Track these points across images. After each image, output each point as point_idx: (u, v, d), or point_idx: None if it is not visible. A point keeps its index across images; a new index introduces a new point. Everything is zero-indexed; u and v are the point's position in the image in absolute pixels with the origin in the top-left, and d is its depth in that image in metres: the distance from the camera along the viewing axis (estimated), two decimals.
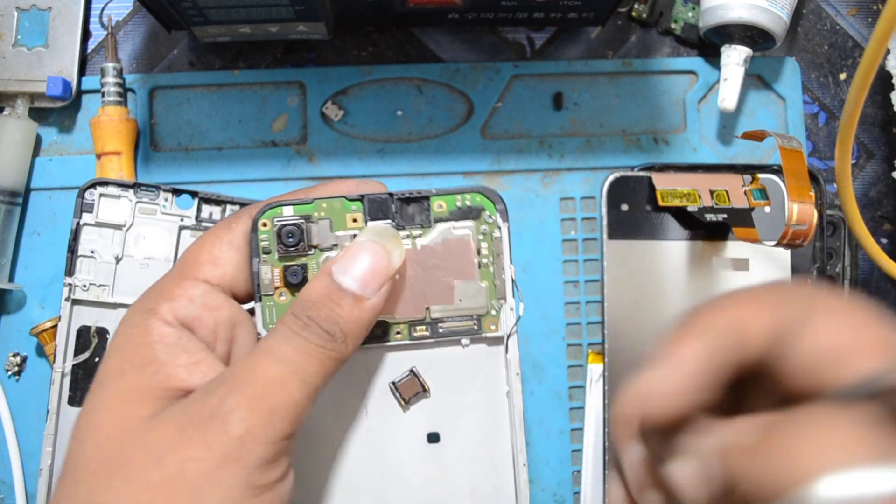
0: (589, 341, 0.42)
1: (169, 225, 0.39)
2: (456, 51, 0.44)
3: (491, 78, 0.43)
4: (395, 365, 0.30)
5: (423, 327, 0.30)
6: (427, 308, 0.30)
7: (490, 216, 0.30)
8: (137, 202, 0.39)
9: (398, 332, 0.30)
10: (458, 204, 0.30)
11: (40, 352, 0.41)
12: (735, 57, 0.41)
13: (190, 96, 0.43)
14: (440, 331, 0.30)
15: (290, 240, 0.28)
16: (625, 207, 0.40)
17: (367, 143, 0.43)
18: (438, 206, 0.30)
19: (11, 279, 0.41)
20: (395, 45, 0.44)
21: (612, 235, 0.40)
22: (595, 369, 0.41)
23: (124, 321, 0.26)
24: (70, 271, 0.38)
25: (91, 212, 0.38)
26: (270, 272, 0.29)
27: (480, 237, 0.30)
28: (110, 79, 0.41)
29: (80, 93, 0.42)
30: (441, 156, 0.43)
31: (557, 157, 0.43)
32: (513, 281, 0.30)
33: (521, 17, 0.41)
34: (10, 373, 0.41)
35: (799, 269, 0.40)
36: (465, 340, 0.30)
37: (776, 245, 0.37)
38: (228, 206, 0.39)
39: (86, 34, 0.43)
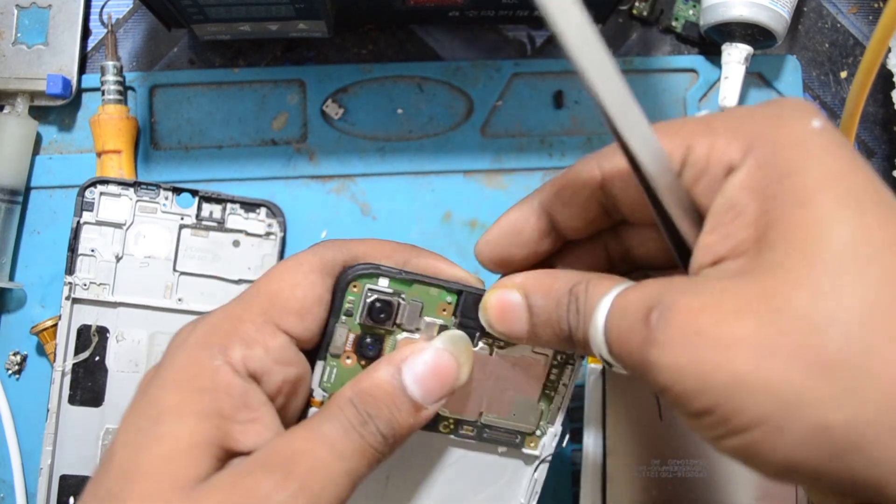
0: None
1: (169, 223, 0.39)
2: (456, 49, 0.44)
3: (491, 76, 0.43)
4: (428, 450, 0.30)
5: (470, 428, 0.30)
6: (480, 413, 0.29)
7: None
8: (138, 201, 0.39)
9: (445, 426, 0.29)
10: None
11: (40, 351, 0.41)
12: (736, 55, 0.41)
13: (190, 94, 0.43)
14: (484, 435, 0.30)
15: (381, 316, 0.27)
16: None
17: (367, 142, 0.43)
18: None
19: (12, 278, 0.41)
20: (395, 44, 0.44)
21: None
22: (595, 369, 0.41)
23: (187, 347, 0.24)
24: (70, 270, 0.38)
25: (91, 210, 0.38)
26: (346, 336, 0.27)
27: (555, 363, 0.30)
28: (110, 77, 0.41)
29: (80, 91, 0.42)
30: (441, 154, 0.43)
31: (558, 156, 0.43)
32: (566, 411, 0.30)
33: (522, 15, 0.41)
34: (10, 372, 0.41)
35: None
36: (501, 449, 0.30)
37: None
38: (229, 205, 0.39)
39: (86, 32, 0.43)
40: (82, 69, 0.42)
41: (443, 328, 0.28)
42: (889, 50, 0.42)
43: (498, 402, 0.29)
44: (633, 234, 0.27)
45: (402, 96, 0.43)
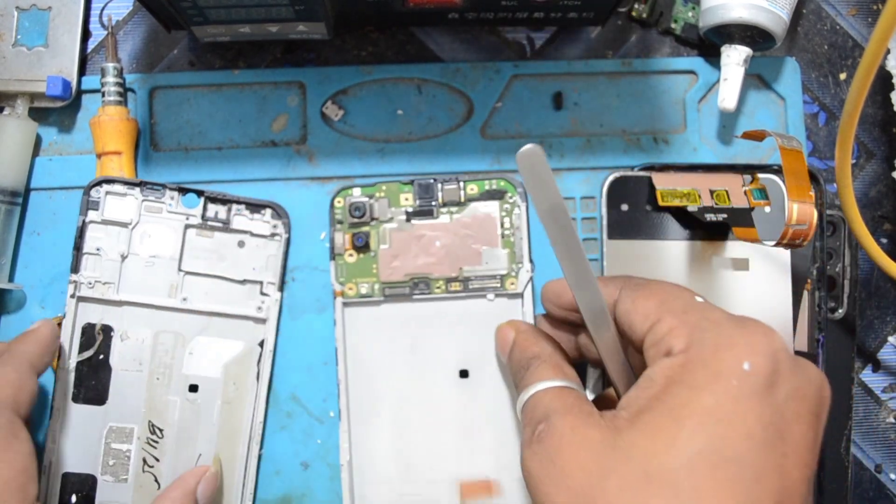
0: None
1: (174, 223, 0.39)
2: (456, 51, 0.44)
3: (491, 78, 0.43)
4: (436, 313, 0.38)
5: (457, 284, 0.38)
6: (460, 268, 0.38)
7: (511, 197, 0.38)
8: (143, 200, 0.39)
9: (438, 287, 0.38)
10: (487, 187, 0.39)
11: None
12: (735, 57, 0.41)
13: (190, 96, 0.43)
14: (470, 287, 0.38)
15: (357, 213, 0.38)
16: (625, 207, 0.40)
17: (366, 143, 0.43)
18: (471, 188, 0.38)
19: (11, 279, 0.41)
20: (394, 45, 0.44)
21: (612, 235, 0.40)
22: (593, 372, 0.41)
23: None
24: (76, 268, 0.38)
25: (97, 209, 0.38)
26: (342, 237, 0.38)
27: (503, 213, 0.38)
28: (110, 78, 0.41)
29: (80, 92, 0.42)
30: (441, 156, 0.43)
31: (557, 157, 0.43)
32: (528, 249, 0.38)
33: (521, 17, 0.41)
34: None
35: (799, 269, 0.40)
36: (490, 295, 0.38)
37: (776, 245, 0.37)
38: (234, 206, 0.39)
39: (86, 34, 0.43)
40: (82, 71, 0.42)
41: (410, 214, 0.38)
42: (888, 51, 0.42)
43: (471, 256, 0.38)
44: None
45: (402, 98, 0.43)
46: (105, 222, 0.38)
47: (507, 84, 0.43)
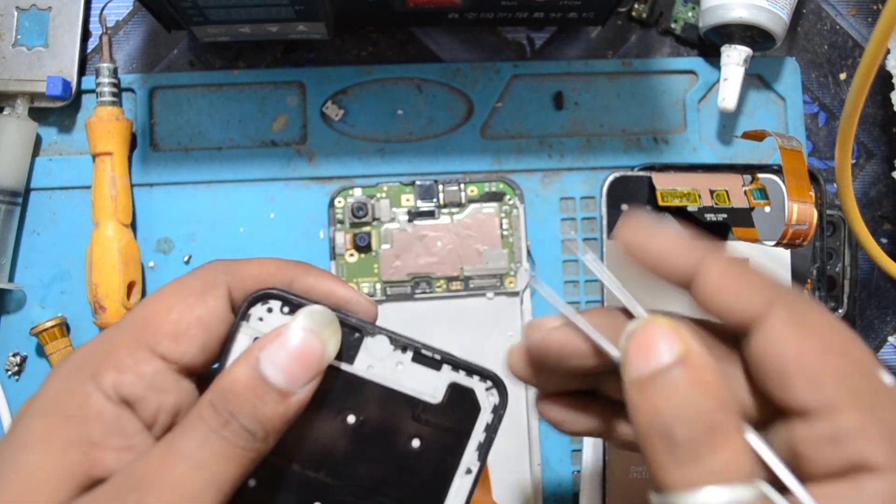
0: None
1: None
2: (456, 51, 0.44)
3: (491, 78, 0.43)
4: (436, 311, 0.39)
5: (458, 283, 0.39)
6: (461, 268, 0.39)
7: (510, 199, 0.40)
8: None
9: (439, 286, 0.39)
10: (486, 189, 0.40)
11: (40, 352, 0.41)
12: (735, 57, 0.41)
13: (190, 96, 0.43)
14: (471, 285, 0.39)
15: (360, 212, 0.38)
16: (625, 207, 0.40)
17: (367, 143, 0.43)
18: (471, 190, 0.40)
19: (11, 279, 0.41)
20: (394, 45, 0.44)
21: (612, 235, 0.40)
22: None
23: (60, 375, 0.24)
24: None
25: None
26: (343, 237, 0.39)
27: (503, 215, 0.40)
28: (104, 79, 0.41)
29: (79, 92, 0.42)
30: (441, 156, 0.43)
31: (557, 157, 0.43)
32: (528, 249, 0.40)
33: (521, 17, 0.41)
34: (10, 373, 0.41)
35: (799, 269, 0.40)
36: (489, 294, 0.39)
37: (776, 245, 0.37)
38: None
39: (86, 34, 0.43)
40: (82, 71, 0.42)
41: (412, 214, 0.39)
42: (888, 51, 0.42)
43: (471, 256, 0.39)
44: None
45: (402, 98, 0.43)
46: None
47: (507, 84, 0.43)
